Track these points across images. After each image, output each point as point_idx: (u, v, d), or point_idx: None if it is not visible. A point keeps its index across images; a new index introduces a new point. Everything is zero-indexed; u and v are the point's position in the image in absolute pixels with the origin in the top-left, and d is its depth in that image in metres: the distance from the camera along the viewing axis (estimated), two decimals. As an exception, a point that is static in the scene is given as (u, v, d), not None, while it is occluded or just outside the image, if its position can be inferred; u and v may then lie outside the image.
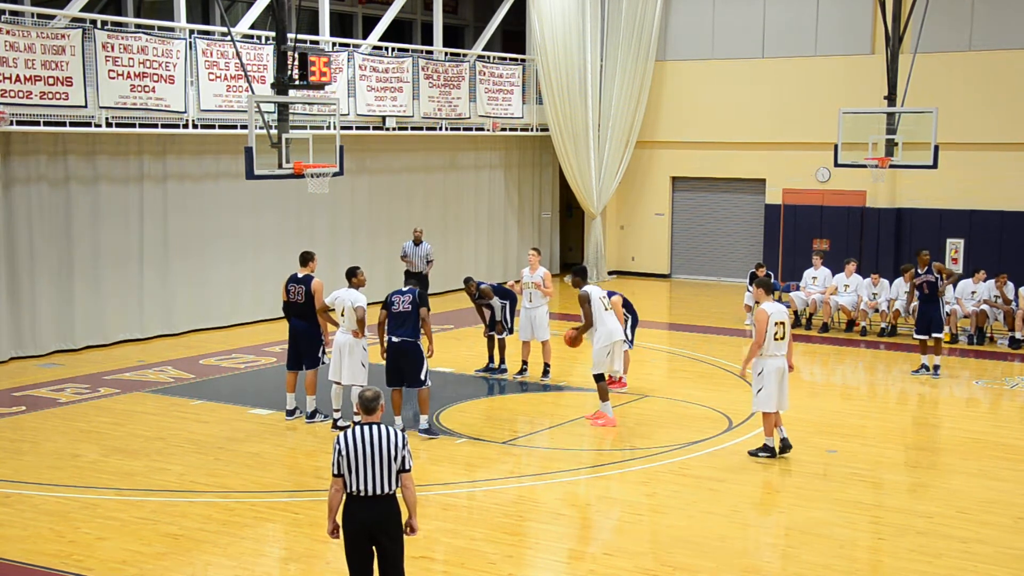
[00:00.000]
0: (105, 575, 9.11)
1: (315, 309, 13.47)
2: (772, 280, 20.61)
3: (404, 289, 13.13)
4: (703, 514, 10.65)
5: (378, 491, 7.38)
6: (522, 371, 16.27)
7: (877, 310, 20.20)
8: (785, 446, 12.43)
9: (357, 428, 7.45)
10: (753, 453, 12.38)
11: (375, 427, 7.44)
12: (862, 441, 13.31)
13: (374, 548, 7.52)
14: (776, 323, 12.03)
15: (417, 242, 20.81)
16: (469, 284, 16.56)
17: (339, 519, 7.57)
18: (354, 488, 7.38)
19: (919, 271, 17.05)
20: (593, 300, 13.45)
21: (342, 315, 13.26)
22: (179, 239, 19.47)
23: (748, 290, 21.72)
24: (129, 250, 18.74)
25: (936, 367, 16.89)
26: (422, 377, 12.95)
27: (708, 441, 13.10)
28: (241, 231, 20.59)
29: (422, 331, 12.98)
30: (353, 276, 13.42)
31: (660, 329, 21.05)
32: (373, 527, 7.43)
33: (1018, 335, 19.12)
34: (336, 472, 7.43)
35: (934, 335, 16.81)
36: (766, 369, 12.11)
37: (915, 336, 17.32)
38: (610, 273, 27.94)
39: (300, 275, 13.72)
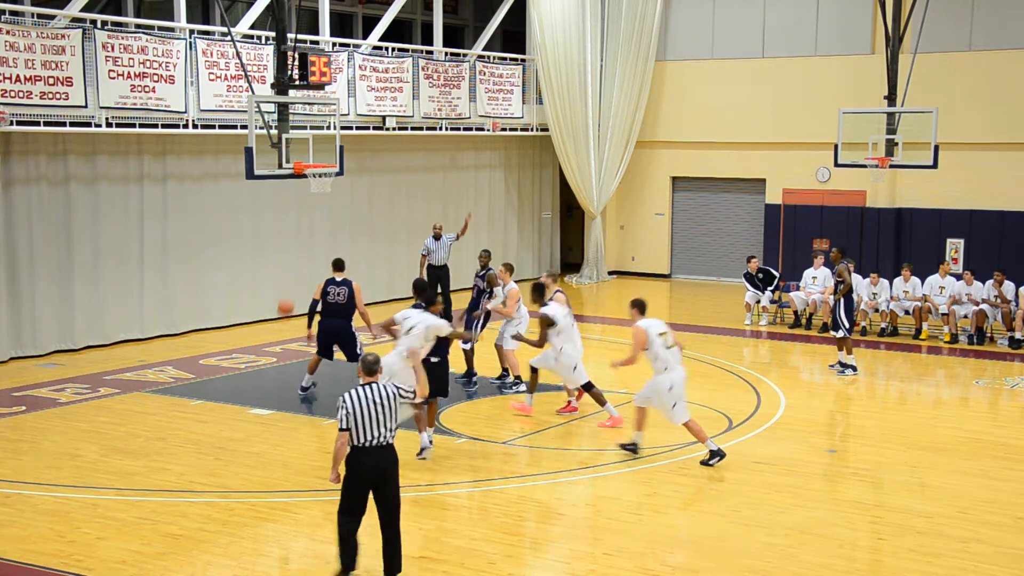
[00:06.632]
0: (105, 575, 9.11)
1: (355, 308, 14.62)
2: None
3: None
4: (703, 514, 10.65)
5: (380, 441, 8.46)
6: (501, 377, 16.06)
7: (877, 310, 20.19)
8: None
9: (360, 387, 8.47)
10: (705, 463, 12.04)
11: (374, 386, 8.56)
12: (862, 441, 13.30)
13: (371, 493, 8.55)
14: (658, 334, 11.93)
15: (437, 237, 20.77)
16: (483, 256, 16.73)
17: (341, 470, 8.58)
18: (360, 440, 8.42)
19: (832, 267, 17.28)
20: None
21: (406, 333, 12.15)
22: (179, 239, 19.46)
23: (748, 289, 21.74)
24: (129, 250, 18.73)
25: (845, 365, 16.87)
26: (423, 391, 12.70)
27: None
28: (241, 231, 20.58)
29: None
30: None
31: (660, 329, 21.01)
32: (376, 473, 8.49)
33: (1018, 335, 19.12)
34: (343, 426, 8.42)
35: (834, 332, 16.97)
36: (675, 383, 12.03)
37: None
38: (610, 273, 27.94)
39: (339, 279, 14.76)
